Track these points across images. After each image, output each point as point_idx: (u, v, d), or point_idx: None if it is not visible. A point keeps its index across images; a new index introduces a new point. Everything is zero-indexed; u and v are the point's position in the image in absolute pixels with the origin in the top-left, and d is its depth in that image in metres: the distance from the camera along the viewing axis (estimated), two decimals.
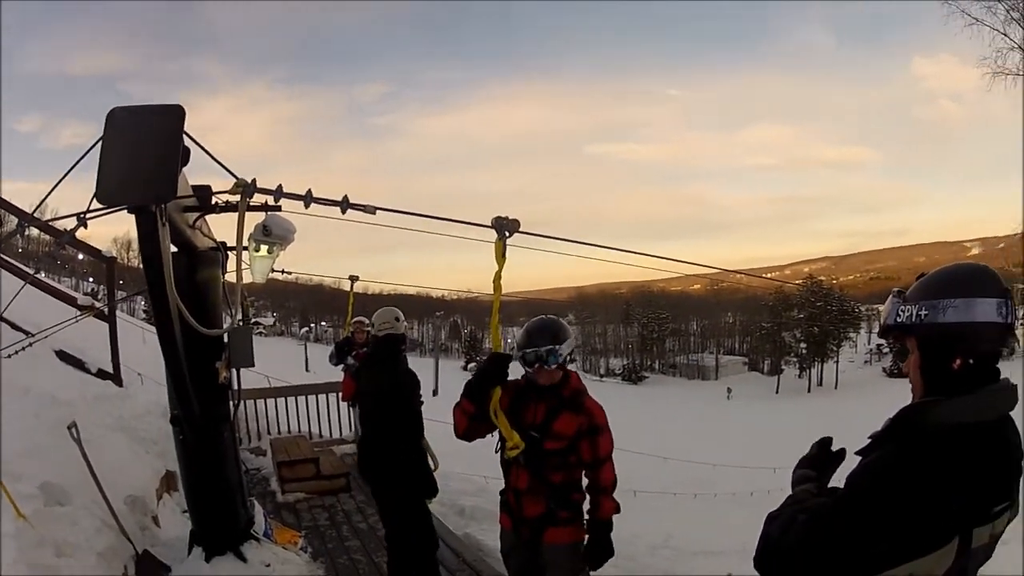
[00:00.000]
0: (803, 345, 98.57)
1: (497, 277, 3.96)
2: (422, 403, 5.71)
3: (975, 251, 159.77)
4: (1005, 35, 14.13)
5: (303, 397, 11.18)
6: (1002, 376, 1.85)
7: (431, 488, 5.58)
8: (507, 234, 3.91)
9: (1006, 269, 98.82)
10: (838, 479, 1.99)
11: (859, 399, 59.99)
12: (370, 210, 4.50)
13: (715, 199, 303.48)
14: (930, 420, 1.78)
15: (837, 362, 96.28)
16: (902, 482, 1.68)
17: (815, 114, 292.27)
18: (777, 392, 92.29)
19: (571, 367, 3.98)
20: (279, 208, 4.83)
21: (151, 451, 6.97)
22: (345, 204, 4.38)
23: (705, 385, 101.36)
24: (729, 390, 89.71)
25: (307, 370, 52.75)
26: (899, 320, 1.93)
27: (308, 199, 4.33)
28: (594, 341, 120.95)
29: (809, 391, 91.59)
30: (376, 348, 5.88)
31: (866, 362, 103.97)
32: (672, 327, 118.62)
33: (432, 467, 5.80)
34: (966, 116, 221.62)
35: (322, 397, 11.21)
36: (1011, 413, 1.86)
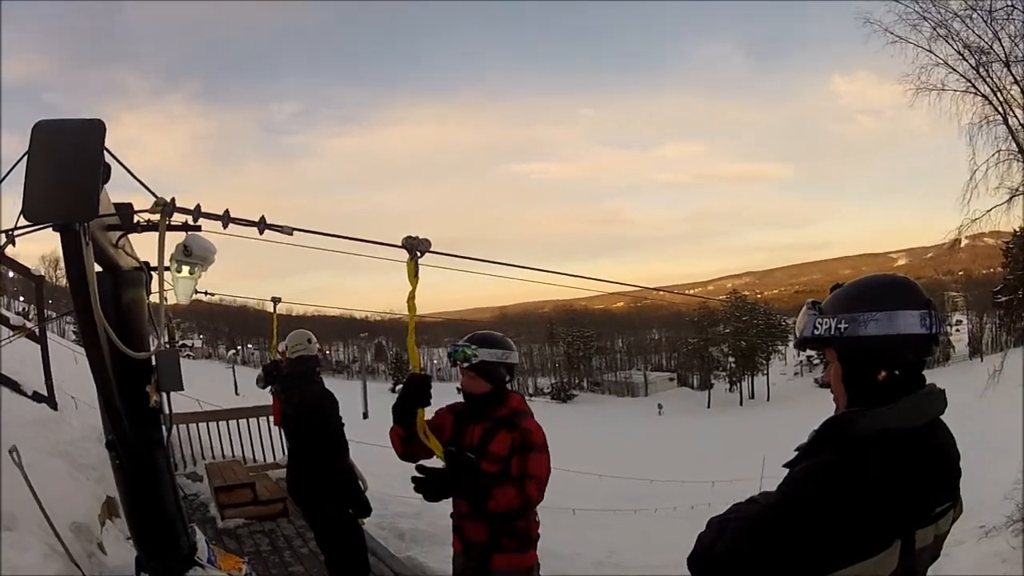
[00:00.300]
0: (731, 359, 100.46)
1: (411, 298, 3.92)
2: (343, 423, 5.83)
3: (902, 262, 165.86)
4: (931, 52, 14.55)
5: (235, 421, 10.96)
6: (928, 383, 1.88)
7: (361, 507, 5.56)
8: (419, 254, 3.84)
9: (936, 278, 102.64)
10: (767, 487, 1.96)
11: (791, 411, 61.20)
12: (287, 231, 4.43)
13: (631, 216, 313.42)
14: (859, 429, 1.79)
15: (767, 375, 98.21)
16: (835, 487, 1.68)
17: (727, 132, 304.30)
18: (708, 407, 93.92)
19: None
20: (199, 228, 4.70)
21: (90, 476, 6.75)
22: (262, 224, 4.29)
23: (635, 402, 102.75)
24: (660, 406, 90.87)
25: (237, 393, 51.99)
26: (816, 333, 1.93)
27: (226, 219, 4.21)
28: (520, 361, 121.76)
29: (741, 404, 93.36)
30: (291, 370, 6.05)
31: (796, 374, 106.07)
32: (597, 345, 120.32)
33: (361, 487, 5.79)
34: (885, 131, 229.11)
35: (253, 421, 11.01)
36: (942, 417, 1.90)
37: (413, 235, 3.83)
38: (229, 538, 7.85)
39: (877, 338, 1.81)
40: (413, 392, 3.75)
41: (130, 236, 4.81)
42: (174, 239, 4.82)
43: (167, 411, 5.07)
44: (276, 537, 7.86)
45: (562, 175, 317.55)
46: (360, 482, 5.92)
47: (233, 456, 10.76)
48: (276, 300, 9.08)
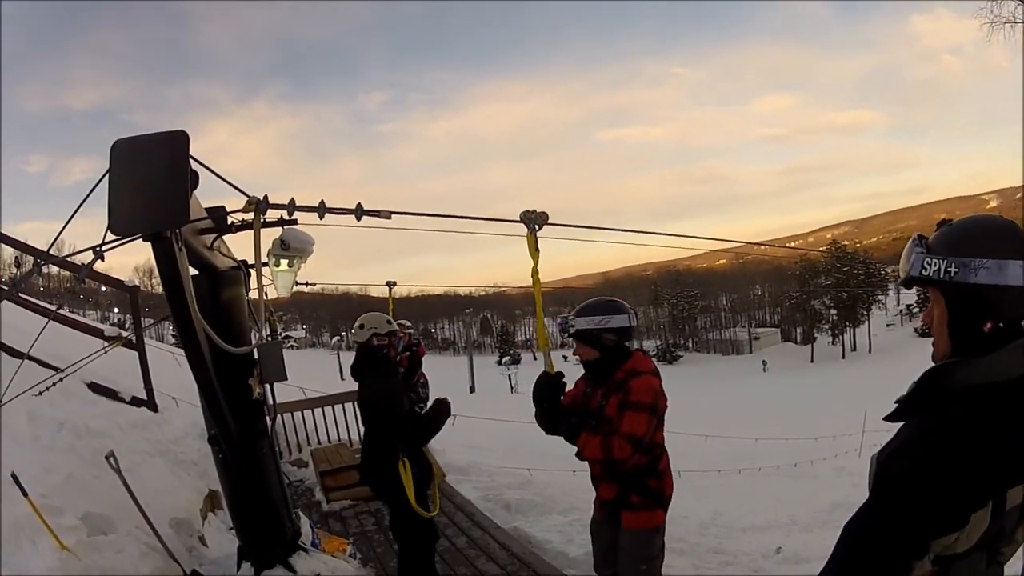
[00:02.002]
0: (833, 312, 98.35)
1: (534, 272, 3.98)
2: (393, 417, 5.48)
3: (993, 203, 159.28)
4: None
5: (339, 405, 11.08)
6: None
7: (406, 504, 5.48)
8: (537, 227, 3.92)
9: None
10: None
11: (893, 362, 59.58)
12: (384, 215, 4.49)
13: (729, 173, 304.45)
14: (959, 381, 1.71)
15: (869, 326, 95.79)
16: (937, 456, 1.62)
17: (815, 81, 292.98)
18: (812, 361, 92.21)
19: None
20: (295, 222, 4.81)
21: (192, 472, 7.00)
22: (360, 211, 4.36)
23: (740, 360, 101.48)
24: (764, 363, 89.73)
25: (342, 379, 53.01)
26: (924, 273, 1.83)
27: (322, 210, 4.31)
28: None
29: (844, 357, 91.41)
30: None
31: (897, 323, 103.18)
32: (702, 304, 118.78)
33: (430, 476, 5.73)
34: (968, 69, 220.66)
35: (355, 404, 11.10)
36: None
37: (529, 209, 3.92)
38: (335, 520, 8.03)
39: (987, 287, 1.72)
40: (547, 393, 3.93)
41: (228, 236, 4.95)
42: (271, 235, 4.93)
43: (271, 402, 5.23)
44: (382, 516, 7.85)
45: (657, 137, 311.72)
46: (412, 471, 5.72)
47: (339, 440, 10.93)
48: (391, 284, 9.14)
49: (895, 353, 73.31)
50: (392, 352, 5.81)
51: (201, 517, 6.27)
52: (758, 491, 17.16)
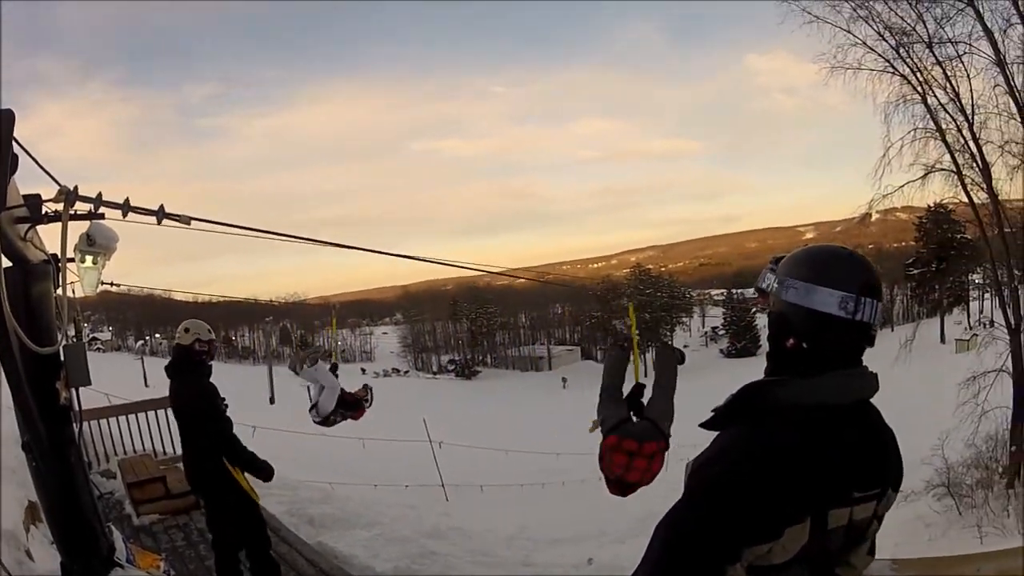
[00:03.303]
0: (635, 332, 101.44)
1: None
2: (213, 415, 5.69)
3: (809, 235, 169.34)
4: (849, 32, 14.90)
5: (144, 413, 10.67)
6: (863, 364, 1.87)
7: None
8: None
9: None
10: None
11: (698, 380, 61.83)
12: (185, 220, 4.46)
13: (544, 192, 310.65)
14: (777, 398, 1.80)
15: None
16: (748, 462, 1.71)
17: (644, 110, 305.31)
18: None
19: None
20: (102, 216, 4.64)
21: (11, 481, 6.60)
22: (161, 214, 4.31)
23: (539, 376, 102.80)
24: (564, 379, 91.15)
25: (146, 385, 50.47)
26: (761, 285, 1.98)
27: (126, 208, 4.22)
28: (424, 339, 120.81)
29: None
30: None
31: (702, 344, 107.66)
32: (501, 321, 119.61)
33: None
34: (800, 109, 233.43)
35: (162, 412, 10.63)
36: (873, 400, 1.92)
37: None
38: (145, 535, 7.75)
39: (792, 306, 1.84)
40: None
41: (39, 228, 4.76)
42: (79, 229, 4.72)
43: (76, 408, 5.04)
44: (190, 531, 7.79)
45: (474, 152, 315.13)
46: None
47: (144, 450, 10.52)
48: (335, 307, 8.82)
49: (699, 372, 76.28)
50: (208, 359, 5.87)
51: (25, 530, 5.93)
52: (564, 505, 17.54)
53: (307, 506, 9.05)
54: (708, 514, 1.69)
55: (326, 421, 8.38)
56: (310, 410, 8.40)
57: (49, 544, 5.89)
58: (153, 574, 5.73)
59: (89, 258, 4.94)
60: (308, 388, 8.54)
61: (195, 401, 5.68)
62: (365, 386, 9.00)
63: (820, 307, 1.79)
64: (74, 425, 5.02)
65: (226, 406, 5.84)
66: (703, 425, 1.92)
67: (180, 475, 9.04)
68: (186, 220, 4.48)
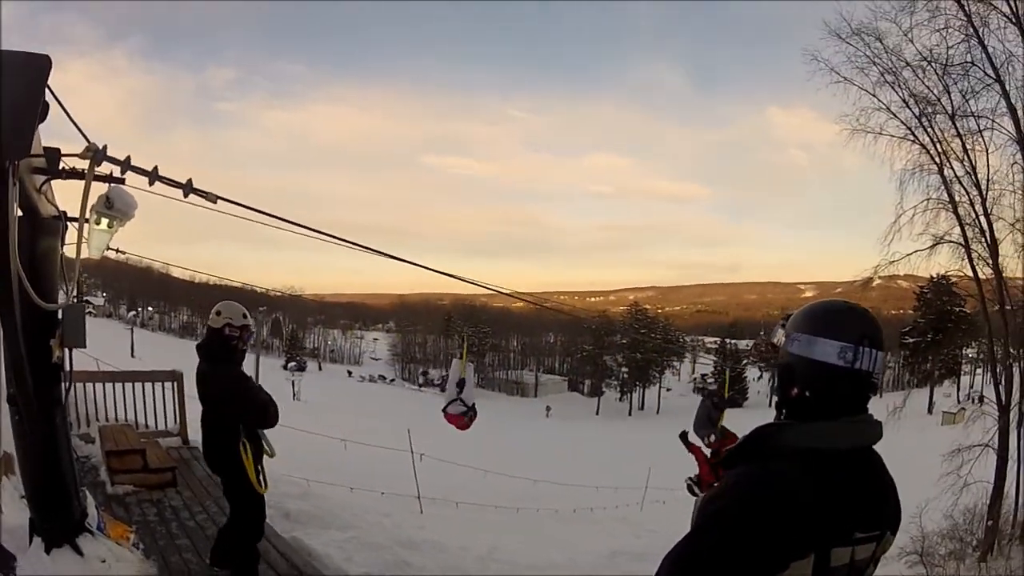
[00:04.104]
0: (624, 370, 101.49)
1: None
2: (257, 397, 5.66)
3: (809, 293, 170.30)
4: (874, 96, 14.92)
5: (131, 384, 10.64)
6: (868, 412, 1.96)
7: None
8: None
9: None
10: None
11: (680, 424, 61.61)
12: (212, 198, 4.43)
13: (549, 221, 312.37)
14: (784, 440, 1.90)
15: (659, 388, 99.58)
16: (757, 497, 1.75)
17: (656, 149, 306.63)
18: (597, 413, 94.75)
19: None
20: (123, 181, 4.58)
21: None
22: (188, 188, 4.27)
23: (524, 402, 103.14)
24: (548, 408, 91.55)
25: (133, 355, 50.47)
26: (773, 339, 2.12)
27: (154, 176, 4.18)
28: (414, 350, 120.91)
29: (630, 414, 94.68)
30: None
31: (691, 390, 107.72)
32: (492, 342, 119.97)
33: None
34: (815, 167, 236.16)
35: (148, 386, 10.71)
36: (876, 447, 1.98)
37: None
38: (118, 505, 7.65)
39: (797, 357, 1.95)
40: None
41: (53, 185, 4.69)
42: (97, 190, 4.61)
43: (68, 368, 4.96)
44: (164, 507, 7.69)
45: (485, 173, 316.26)
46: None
47: (126, 420, 10.43)
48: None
49: (683, 417, 75.99)
50: (242, 345, 5.77)
51: None
52: (536, 532, 17.42)
53: (285, 500, 8.93)
54: (717, 544, 1.73)
55: (467, 412, 8.43)
56: (452, 401, 8.46)
57: (19, 498, 5.80)
58: (122, 545, 5.63)
59: (105, 221, 4.87)
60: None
61: (226, 390, 5.57)
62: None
63: (820, 357, 1.91)
64: (63, 385, 4.96)
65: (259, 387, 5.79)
66: (718, 463, 2.16)
67: (160, 451, 9.03)
68: (213, 198, 4.45)
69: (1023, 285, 14.48)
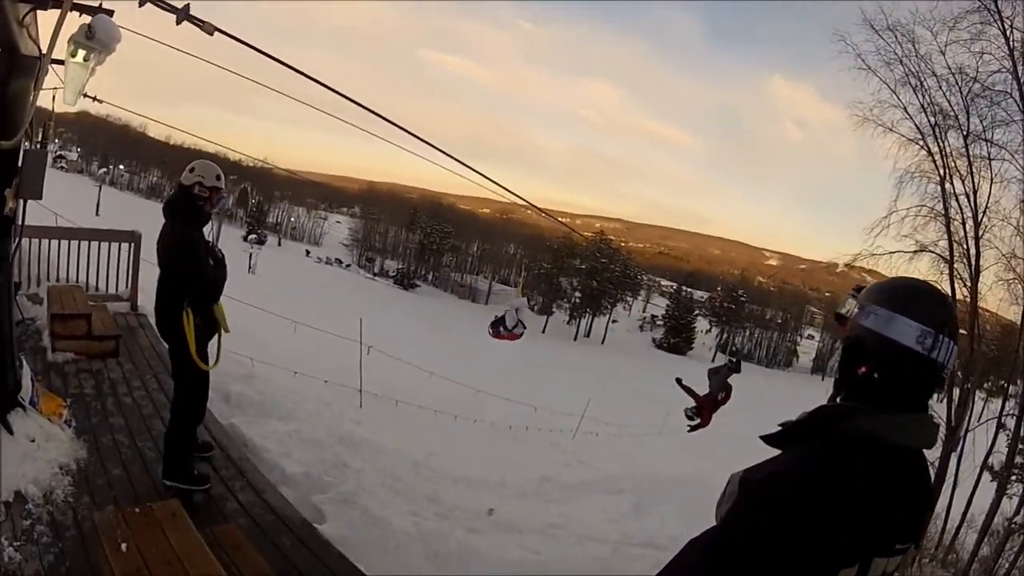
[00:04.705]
0: (577, 294, 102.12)
1: None
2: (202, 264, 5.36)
3: (773, 261, 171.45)
4: (894, 92, 15.04)
5: (88, 243, 10.07)
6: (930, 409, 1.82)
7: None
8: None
9: (801, 291, 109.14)
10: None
11: (622, 358, 62.80)
12: (208, 29, 4.03)
13: (530, 136, 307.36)
14: (853, 425, 1.71)
15: (608, 320, 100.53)
16: (824, 490, 1.60)
17: (652, 89, 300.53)
18: (543, 332, 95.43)
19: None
20: (111, 13, 4.21)
21: None
22: (184, 13, 3.89)
23: (474, 307, 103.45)
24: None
25: (97, 214, 49.53)
26: (841, 311, 1.92)
27: None
28: (375, 238, 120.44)
29: (575, 339, 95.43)
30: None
31: (640, 328, 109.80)
32: (453, 243, 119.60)
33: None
34: (806, 144, 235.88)
35: (106, 246, 10.19)
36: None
37: None
38: (56, 374, 7.35)
39: (870, 332, 1.77)
40: None
41: (39, 22, 4.34)
42: (75, 25, 4.23)
43: (19, 223, 4.66)
44: (102, 379, 7.37)
45: (480, 78, 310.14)
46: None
47: (78, 282, 9.98)
48: None
49: (627, 352, 77.34)
50: (208, 207, 5.44)
51: None
52: (472, 443, 17.53)
53: (227, 381, 8.66)
54: (767, 531, 1.59)
55: (516, 327, 11.33)
56: (514, 326, 11.60)
57: None
58: (54, 422, 5.38)
59: (82, 53, 4.39)
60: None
61: (175, 251, 5.26)
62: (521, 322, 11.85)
63: (897, 337, 1.73)
64: (12, 240, 4.65)
65: (217, 260, 5.50)
66: (765, 438, 1.84)
67: (106, 316, 8.70)
68: (210, 29, 4.06)
69: (990, 319, 15.23)
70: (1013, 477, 13.11)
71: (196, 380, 5.51)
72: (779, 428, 1.82)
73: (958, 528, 13.47)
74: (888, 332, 1.73)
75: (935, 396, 1.88)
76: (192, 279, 5.28)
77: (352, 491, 6.35)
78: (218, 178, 5.43)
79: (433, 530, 6.66)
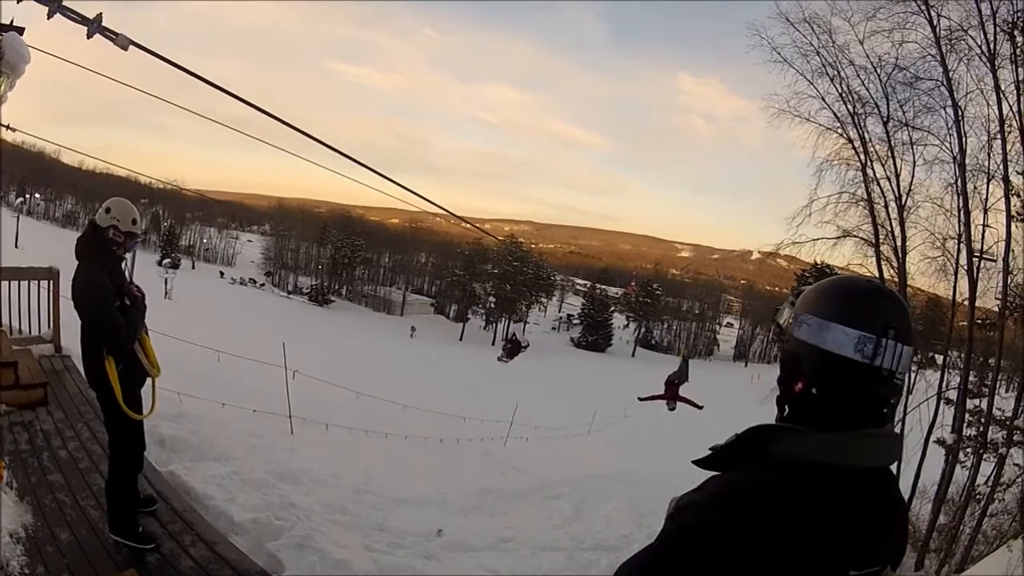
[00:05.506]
0: (492, 299, 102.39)
1: None
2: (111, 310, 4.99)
3: (685, 253, 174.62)
4: (811, 83, 15.37)
5: (7, 282, 8.97)
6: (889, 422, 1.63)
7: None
8: None
9: (716, 280, 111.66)
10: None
11: (540, 360, 63.02)
12: (122, 43, 3.84)
13: (433, 141, 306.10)
14: (785, 448, 1.55)
15: (525, 322, 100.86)
16: (754, 518, 1.46)
17: (557, 91, 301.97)
18: (461, 339, 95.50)
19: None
20: (22, 30, 4.01)
21: None
22: (96, 24, 3.69)
23: (390, 319, 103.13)
24: (413, 328, 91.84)
25: (16, 246, 47.74)
26: (779, 320, 1.73)
27: (54, 6, 3.61)
28: (286, 255, 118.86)
29: (493, 344, 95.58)
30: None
31: (554, 328, 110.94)
32: (364, 256, 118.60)
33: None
34: (712, 136, 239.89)
35: (24, 284, 9.30)
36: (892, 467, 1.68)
37: None
38: None
39: (803, 344, 1.61)
40: None
41: None
42: None
43: None
44: (35, 432, 6.90)
45: (382, 86, 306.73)
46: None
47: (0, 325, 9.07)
48: None
49: (544, 353, 77.70)
50: (120, 252, 5.17)
51: None
52: (407, 460, 17.48)
53: (159, 424, 8.26)
54: (695, 562, 1.47)
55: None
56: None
57: None
58: None
59: None
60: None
61: (80, 293, 4.97)
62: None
63: (832, 347, 1.56)
64: None
65: (128, 305, 5.21)
66: (698, 462, 1.67)
67: (32, 361, 8.15)
68: (124, 43, 3.85)
69: (917, 295, 15.62)
70: (969, 448, 13.34)
71: (129, 429, 5.20)
72: (709, 452, 1.66)
73: (910, 499, 13.61)
74: (822, 343, 1.58)
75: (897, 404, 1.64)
76: (103, 328, 4.99)
77: (304, 534, 6.12)
78: (134, 222, 5.13)
79: (392, 564, 6.49)
